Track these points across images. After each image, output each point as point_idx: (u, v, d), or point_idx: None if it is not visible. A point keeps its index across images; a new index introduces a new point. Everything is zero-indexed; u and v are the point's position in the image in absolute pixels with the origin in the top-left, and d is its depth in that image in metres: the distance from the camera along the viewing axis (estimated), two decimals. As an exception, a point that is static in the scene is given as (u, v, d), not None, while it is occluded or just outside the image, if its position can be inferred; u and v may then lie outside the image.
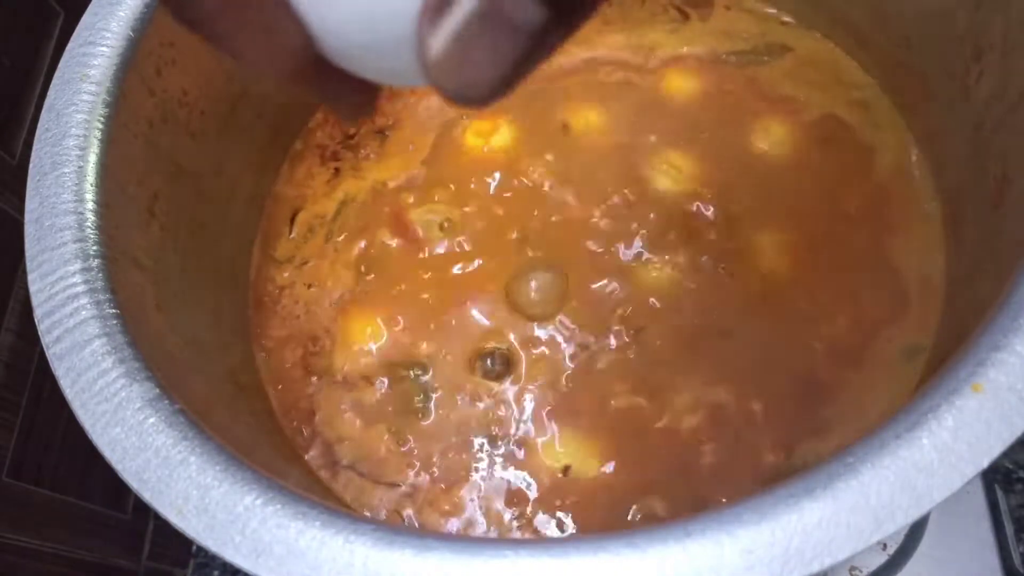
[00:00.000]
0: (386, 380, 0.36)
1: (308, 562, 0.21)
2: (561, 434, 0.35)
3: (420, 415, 0.36)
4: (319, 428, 0.36)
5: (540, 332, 0.36)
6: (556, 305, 0.36)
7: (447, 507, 0.34)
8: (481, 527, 0.34)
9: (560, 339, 0.36)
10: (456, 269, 0.38)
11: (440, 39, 0.12)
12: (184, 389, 0.26)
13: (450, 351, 0.36)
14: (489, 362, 0.36)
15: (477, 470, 0.34)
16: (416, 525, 0.34)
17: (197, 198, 0.35)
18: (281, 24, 0.14)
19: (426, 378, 0.36)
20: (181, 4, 0.14)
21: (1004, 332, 0.22)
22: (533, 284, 0.36)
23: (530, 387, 0.35)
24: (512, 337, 0.36)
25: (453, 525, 0.34)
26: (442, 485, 0.34)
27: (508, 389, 0.36)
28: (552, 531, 0.33)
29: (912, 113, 0.39)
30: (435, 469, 0.35)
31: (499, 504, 0.34)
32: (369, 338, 0.37)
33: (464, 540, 0.21)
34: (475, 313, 0.37)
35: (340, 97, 0.16)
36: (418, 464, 0.35)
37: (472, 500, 0.34)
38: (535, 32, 0.12)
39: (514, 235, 0.38)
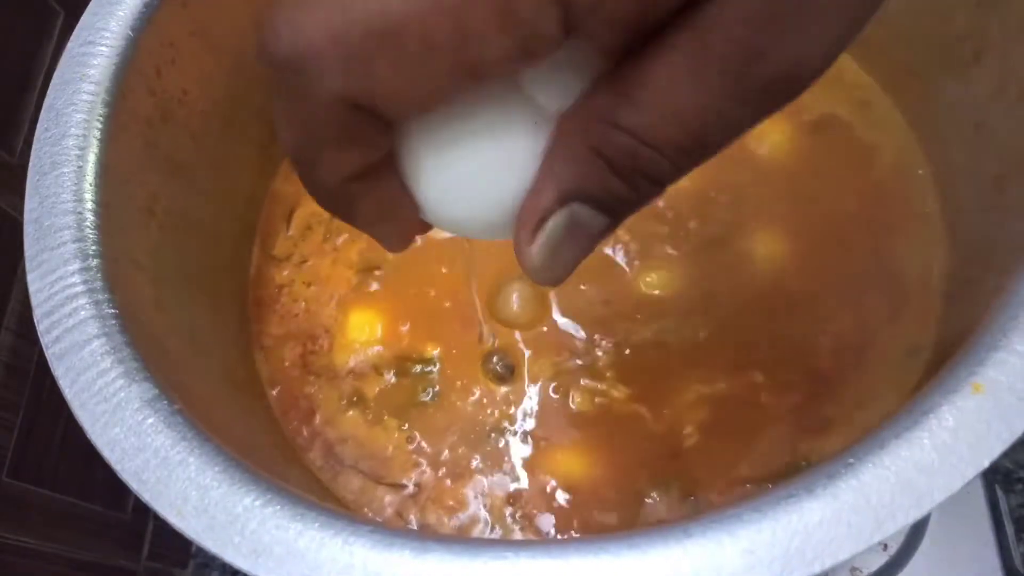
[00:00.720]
0: (390, 377, 0.36)
1: (307, 563, 0.21)
2: (564, 434, 0.35)
3: (425, 410, 0.36)
4: (320, 428, 0.36)
5: (541, 332, 0.36)
6: (539, 313, 0.36)
7: (451, 503, 0.34)
8: (484, 524, 0.34)
9: (562, 339, 0.36)
10: (459, 266, 0.38)
11: (536, 249, 0.17)
12: (183, 389, 0.26)
13: (455, 348, 0.36)
14: (495, 359, 0.36)
15: (481, 467, 0.34)
16: (419, 524, 0.34)
17: (196, 197, 0.35)
18: (404, 210, 0.18)
19: (431, 374, 0.36)
20: (332, 205, 0.17)
21: (1004, 332, 0.22)
22: (515, 297, 0.36)
23: (533, 386, 0.35)
24: (515, 337, 0.36)
25: (456, 521, 0.34)
26: (447, 481, 0.34)
27: (512, 389, 0.36)
28: (553, 531, 0.33)
29: (912, 113, 0.39)
30: (439, 466, 0.35)
31: (502, 502, 0.34)
32: (370, 336, 0.37)
33: (464, 541, 0.21)
34: (479, 310, 0.37)
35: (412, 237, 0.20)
36: (423, 461, 0.35)
37: (476, 497, 0.34)
38: (601, 233, 0.17)
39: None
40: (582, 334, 0.36)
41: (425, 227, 0.19)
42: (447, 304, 0.37)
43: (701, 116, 0.15)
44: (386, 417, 0.36)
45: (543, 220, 0.16)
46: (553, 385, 0.35)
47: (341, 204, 0.17)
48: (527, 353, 0.36)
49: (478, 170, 0.17)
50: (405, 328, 0.37)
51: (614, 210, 0.16)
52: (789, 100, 0.15)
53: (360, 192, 0.17)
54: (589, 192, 0.16)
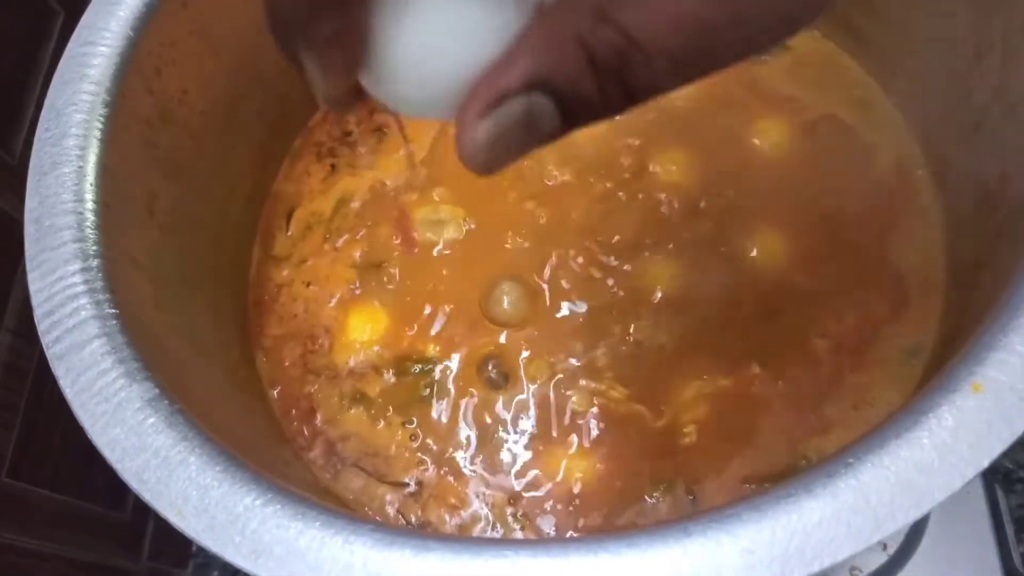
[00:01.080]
0: (389, 377, 0.36)
1: (308, 562, 0.21)
2: (564, 434, 0.35)
3: (428, 408, 0.36)
4: (321, 427, 0.36)
5: (536, 334, 0.36)
6: (531, 312, 0.36)
7: (453, 501, 0.34)
8: (485, 523, 0.34)
9: (558, 340, 0.36)
10: (457, 268, 0.38)
11: (482, 130, 0.16)
12: (184, 389, 0.26)
13: (454, 350, 0.37)
14: (490, 366, 0.36)
15: (483, 466, 0.34)
16: (421, 523, 0.34)
17: (196, 197, 0.35)
18: (353, 52, 0.17)
19: (432, 375, 0.36)
20: (294, 16, 0.16)
21: (1004, 331, 0.22)
22: (506, 298, 0.36)
23: (532, 388, 0.35)
24: (512, 338, 0.36)
25: (458, 520, 0.34)
26: (450, 480, 0.34)
27: (510, 392, 0.36)
28: (554, 531, 0.33)
29: (912, 113, 0.39)
30: (442, 464, 0.35)
31: (503, 501, 0.34)
32: (371, 336, 0.37)
33: (464, 540, 0.21)
34: (477, 312, 0.37)
35: (342, 103, 0.19)
36: (426, 459, 0.35)
37: (478, 496, 0.34)
38: (548, 137, 0.16)
39: (512, 234, 0.38)
40: (578, 334, 0.36)
41: (357, 95, 0.18)
42: (447, 306, 0.37)
43: (700, 28, 0.15)
44: (389, 414, 0.36)
45: (500, 100, 0.16)
46: (552, 386, 0.35)
47: (303, 20, 0.16)
48: (523, 356, 0.36)
49: (445, 33, 0.16)
50: (405, 328, 0.37)
51: (572, 113, 0.16)
52: (782, 39, 0.15)
53: (326, 12, 0.16)
54: (558, 84, 0.15)
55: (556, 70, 0.15)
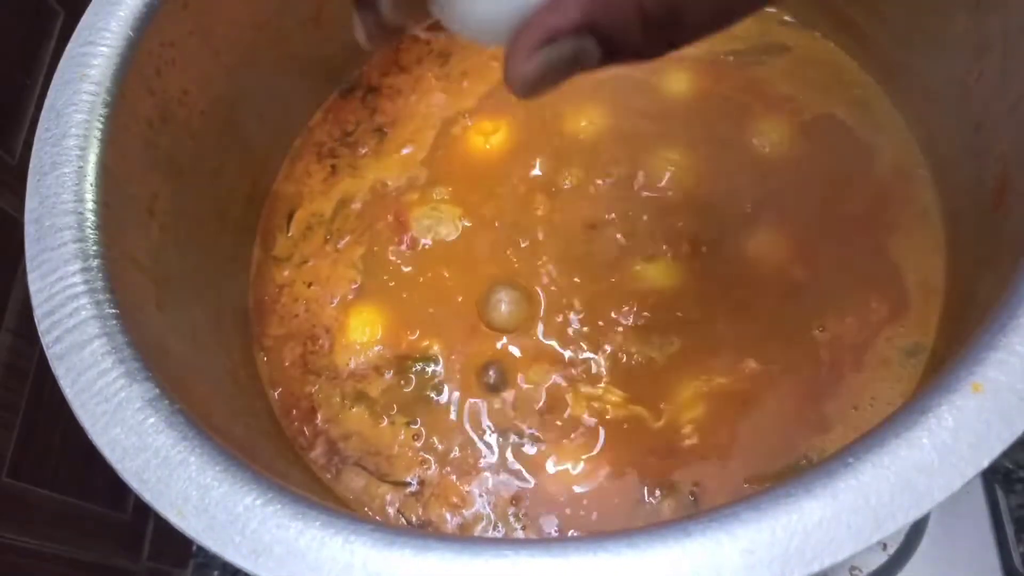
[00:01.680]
0: (390, 376, 0.36)
1: (308, 562, 0.21)
2: (565, 437, 0.35)
3: (429, 408, 0.36)
4: (322, 427, 0.36)
5: (534, 339, 0.36)
6: (528, 316, 0.36)
7: (455, 500, 0.34)
8: (487, 523, 0.34)
9: (556, 344, 0.36)
10: (458, 270, 0.38)
11: (533, 63, 0.17)
12: (184, 389, 0.26)
13: (454, 353, 0.36)
14: (490, 372, 0.36)
15: (483, 467, 0.34)
16: (422, 521, 0.34)
17: (196, 198, 0.35)
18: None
19: (432, 376, 0.36)
20: None
21: (1004, 332, 0.22)
22: (503, 303, 0.36)
23: (531, 392, 0.35)
24: (511, 343, 0.36)
25: (459, 519, 0.34)
26: (452, 479, 0.34)
27: (509, 396, 0.36)
28: (556, 531, 0.33)
29: (912, 113, 0.39)
30: (445, 464, 0.35)
31: (505, 502, 0.34)
32: (371, 336, 0.37)
33: (464, 540, 0.21)
34: (476, 315, 0.37)
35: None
36: (430, 458, 0.35)
37: (480, 496, 0.34)
38: (590, 68, 0.18)
39: (512, 235, 0.38)
40: (577, 337, 0.36)
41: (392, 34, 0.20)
42: (447, 307, 0.37)
43: None
44: (393, 414, 0.36)
45: (552, 38, 0.17)
46: (552, 390, 0.35)
47: None
48: (522, 360, 0.36)
49: None
50: (406, 330, 0.37)
51: (614, 56, 0.17)
52: None
53: None
54: (610, 33, 0.17)
55: (610, 21, 0.17)
